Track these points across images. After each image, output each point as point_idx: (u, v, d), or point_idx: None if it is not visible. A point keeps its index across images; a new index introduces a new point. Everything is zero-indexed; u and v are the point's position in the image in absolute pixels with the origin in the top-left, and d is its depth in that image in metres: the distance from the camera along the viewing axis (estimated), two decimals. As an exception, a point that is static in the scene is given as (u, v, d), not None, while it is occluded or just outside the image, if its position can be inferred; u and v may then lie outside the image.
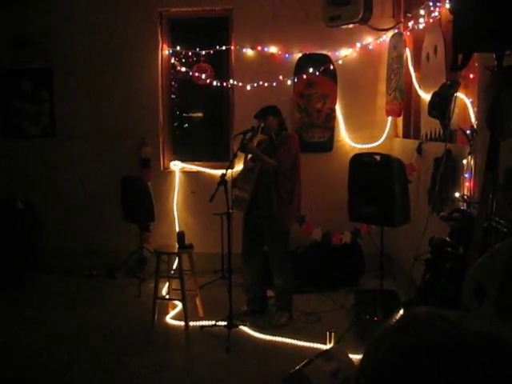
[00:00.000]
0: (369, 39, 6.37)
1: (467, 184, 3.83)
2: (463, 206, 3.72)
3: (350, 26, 5.65)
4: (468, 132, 3.81)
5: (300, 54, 6.48)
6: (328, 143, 6.57)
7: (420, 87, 5.22)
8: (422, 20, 5.13)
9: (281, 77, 6.43)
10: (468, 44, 2.37)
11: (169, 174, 6.82)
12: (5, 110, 6.93)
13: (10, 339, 4.77)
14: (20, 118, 6.92)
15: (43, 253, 6.63)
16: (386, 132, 6.47)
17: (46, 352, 4.48)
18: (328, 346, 4.30)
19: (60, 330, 4.95)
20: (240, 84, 6.53)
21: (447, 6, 4.03)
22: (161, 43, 6.75)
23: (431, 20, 4.84)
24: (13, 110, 6.91)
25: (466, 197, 3.74)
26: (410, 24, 5.53)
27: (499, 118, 2.49)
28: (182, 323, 4.99)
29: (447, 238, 3.38)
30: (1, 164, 6.87)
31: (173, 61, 6.79)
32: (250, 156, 5.12)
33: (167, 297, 5.42)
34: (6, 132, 6.95)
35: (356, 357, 4.16)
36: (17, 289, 6.07)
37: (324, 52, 6.45)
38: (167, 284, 5.55)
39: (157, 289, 5.10)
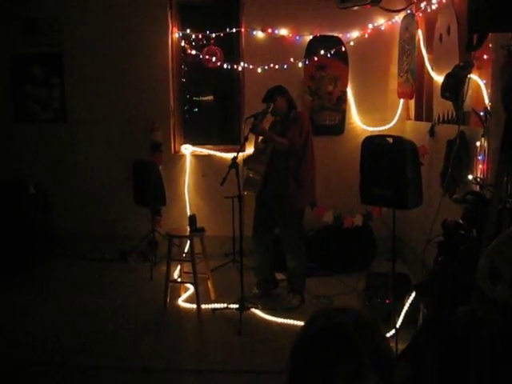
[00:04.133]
0: (380, 21, 6.31)
1: (480, 166, 3.79)
2: (476, 189, 3.69)
3: (362, 7, 5.59)
4: (481, 114, 3.77)
5: (311, 36, 6.44)
6: (339, 126, 6.53)
7: (432, 69, 5.16)
8: (434, 0, 5.06)
9: (291, 59, 6.40)
10: (483, 23, 2.33)
11: (180, 157, 6.82)
12: (16, 94, 6.94)
13: (24, 323, 4.83)
14: (31, 102, 6.93)
15: (55, 237, 6.68)
16: (398, 114, 6.43)
17: (60, 335, 4.53)
18: (340, 329, 4.30)
19: (73, 313, 5.00)
20: (250, 67, 6.50)
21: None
22: (171, 26, 6.71)
23: (444, 0, 4.78)
24: (24, 94, 6.92)
25: (479, 179, 3.71)
26: (423, 5, 5.46)
27: (515, 98, 2.46)
28: (194, 306, 5.01)
29: (460, 221, 3.36)
30: (13, 149, 6.90)
31: (183, 44, 6.76)
32: (261, 138, 5.10)
33: (179, 280, 5.45)
34: (17, 117, 6.96)
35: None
36: (30, 273, 6.12)
37: (335, 34, 6.40)
38: (179, 267, 5.57)
39: (169, 272, 5.12)
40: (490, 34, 3.02)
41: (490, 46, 3.62)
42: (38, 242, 6.42)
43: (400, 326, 4.13)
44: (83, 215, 6.84)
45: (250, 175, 5.03)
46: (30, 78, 6.88)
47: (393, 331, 4.09)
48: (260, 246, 5.21)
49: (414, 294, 4.15)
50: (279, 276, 5.44)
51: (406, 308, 4.24)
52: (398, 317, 4.19)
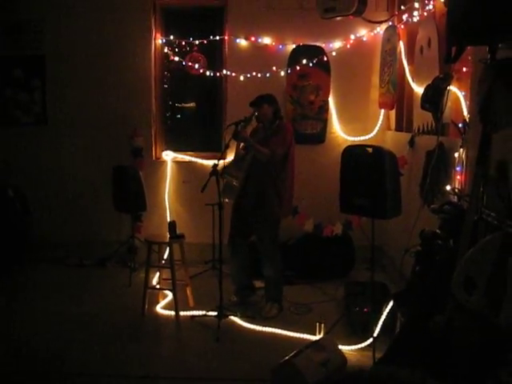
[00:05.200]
0: (363, 31, 6.37)
1: (458, 177, 3.84)
2: (454, 199, 3.73)
3: (345, 17, 5.64)
4: (460, 125, 3.82)
5: (294, 46, 6.48)
6: (320, 135, 6.57)
7: (413, 80, 5.22)
8: (416, 13, 5.13)
9: (274, 68, 6.43)
10: (461, 37, 2.37)
11: (161, 163, 6.80)
12: (-4, 97, 6.88)
13: (0, 328, 4.77)
14: (12, 105, 6.87)
15: (34, 241, 6.61)
16: (379, 125, 6.48)
17: (36, 341, 4.47)
18: (318, 337, 4.32)
19: (50, 319, 4.94)
20: (233, 74, 6.52)
21: (441, -1, 4.04)
22: (154, 32, 6.72)
23: (425, 13, 4.85)
24: (4, 97, 6.86)
25: (457, 190, 3.75)
26: (404, 17, 5.53)
27: (491, 110, 2.50)
28: (173, 313, 4.99)
29: (438, 231, 3.40)
30: (-8, 152, 6.83)
31: (166, 50, 6.76)
32: (242, 144, 5.09)
33: (158, 286, 5.42)
34: (-3, 120, 6.90)
35: (345, 347, 4.19)
36: (7, 277, 6.05)
37: (318, 44, 6.45)
38: (158, 274, 5.55)
39: (147, 278, 5.09)
40: (468, 47, 3.07)
41: (470, 58, 3.68)
42: (15, 246, 6.35)
43: (378, 334, 4.15)
44: (62, 220, 6.79)
45: (229, 181, 5.02)
46: (10, 81, 6.83)
47: (370, 340, 4.12)
48: (236, 252, 5.20)
49: (391, 303, 4.18)
50: (258, 284, 5.43)
51: (383, 317, 4.26)
52: (376, 325, 4.21)
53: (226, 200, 5.00)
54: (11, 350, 4.33)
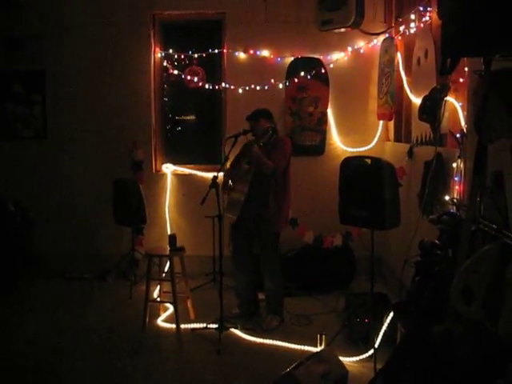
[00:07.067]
0: (360, 43, 6.41)
1: (457, 187, 3.85)
2: (453, 209, 3.74)
3: (342, 30, 5.68)
4: (458, 136, 3.83)
5: (292, 58, 6.51)
6: (320, 147, 6.59)
7: (411, 91, 5.25)
8: (413, 25, 5.17)
9: (273, 80, 6.46)
10: (456, 48, 2.39)
11: (161, 176, 6.82)
12: (-4, 112, 6.92)
13: (1, 341, 4.76)
14: (12, 120, 6.90)
15: (34, 255, 6.61)
16: (378, 136, 6.51)
17: (37, 354, 4.47)
18: (318, 349, 4.31)
19: (50, 332, 4.94)
20: (232, 87, 6.56)
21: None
22: (153, 46, 6.76)
23: (422, 25, 4.88)
24: (4, 112, 6.90)
25: (455, 200, 3.76)
26: (402, 28, 5.58)
27: (486, 121, 2.51)
28: (173, 326, 4.99)
29: (436, 241, 3.41)
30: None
31: (165, 64, 6.80)
32: (246, 159, 5.09)
33: (158, 299, 5.42)
34: (-3, 134, 6.93)
35: (346, 359, 4.18)
36: (8, 291, 6.05)
37: (316, 56, 6.48)
38: (158, 287, 5.54)
39: (148, 291, 5.09)
40: (464, 58, 3.09)
41: (466, 69, 3.70)
42: (16, 260, 6.35)
43: (378, 345, 4.15)
44: (62, 233, 6.79)
45: (233, 196, 5.00)
46: (11, 95, 6.87)
47: (371, 351, 4.11)
48: (241, 268, 5.20)
49: (392, 314, 4.18)
50: (260, 296, 5.42)
51: (384, 327, 4.26)
52: (377, 336, 4.21)
53: (232, 216, 4.99)
54: (10, 362, 4.33)
